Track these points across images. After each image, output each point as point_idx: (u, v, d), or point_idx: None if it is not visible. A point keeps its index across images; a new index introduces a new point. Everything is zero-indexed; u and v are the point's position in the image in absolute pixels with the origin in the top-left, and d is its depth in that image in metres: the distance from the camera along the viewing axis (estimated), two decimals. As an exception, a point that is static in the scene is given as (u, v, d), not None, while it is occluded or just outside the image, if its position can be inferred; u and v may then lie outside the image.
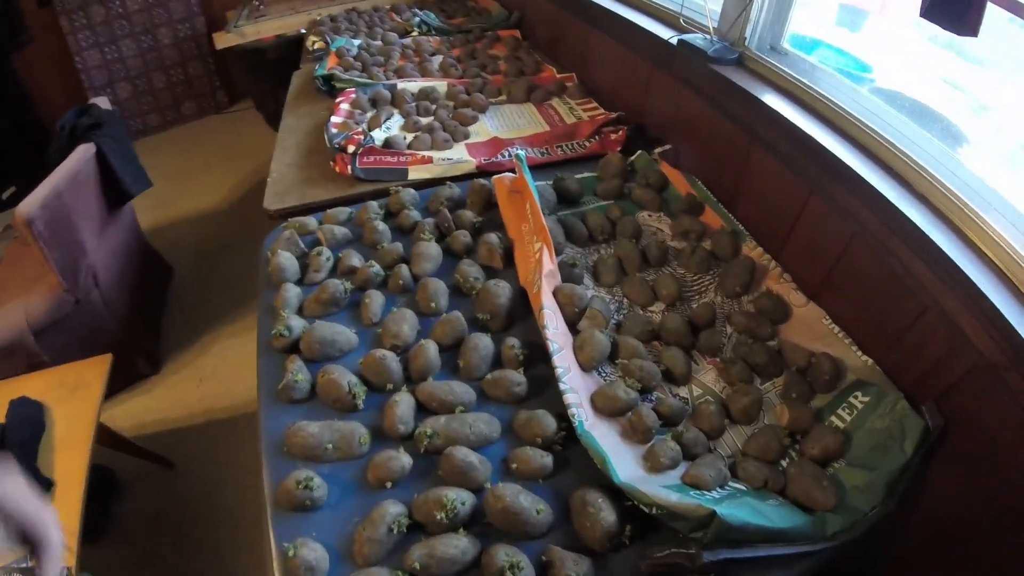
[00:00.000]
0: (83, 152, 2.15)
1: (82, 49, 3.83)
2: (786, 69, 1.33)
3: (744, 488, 0.99)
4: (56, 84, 3.82)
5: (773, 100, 1.28)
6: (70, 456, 1.54)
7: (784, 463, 1.05)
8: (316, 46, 2.63)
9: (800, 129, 1.19)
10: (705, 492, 0.95)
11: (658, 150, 1.66)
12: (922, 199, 1.04)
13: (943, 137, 1.10)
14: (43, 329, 2.04)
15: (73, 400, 1.67)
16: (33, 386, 1.72)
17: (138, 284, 2.60)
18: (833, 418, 1.09)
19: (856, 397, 1.09)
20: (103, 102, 2.47)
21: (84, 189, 2.16)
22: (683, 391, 1.17)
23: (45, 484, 1.45)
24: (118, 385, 2.45)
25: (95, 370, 1.77)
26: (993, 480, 0.94)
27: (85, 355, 1.83)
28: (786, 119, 1.22)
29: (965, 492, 0.99)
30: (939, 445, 1.00)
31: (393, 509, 0.91)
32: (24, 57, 3.60)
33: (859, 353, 1.15)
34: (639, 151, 1.68)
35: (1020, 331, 0.84)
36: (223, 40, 3.47)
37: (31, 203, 1.87)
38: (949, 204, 1.01)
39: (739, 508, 0.89)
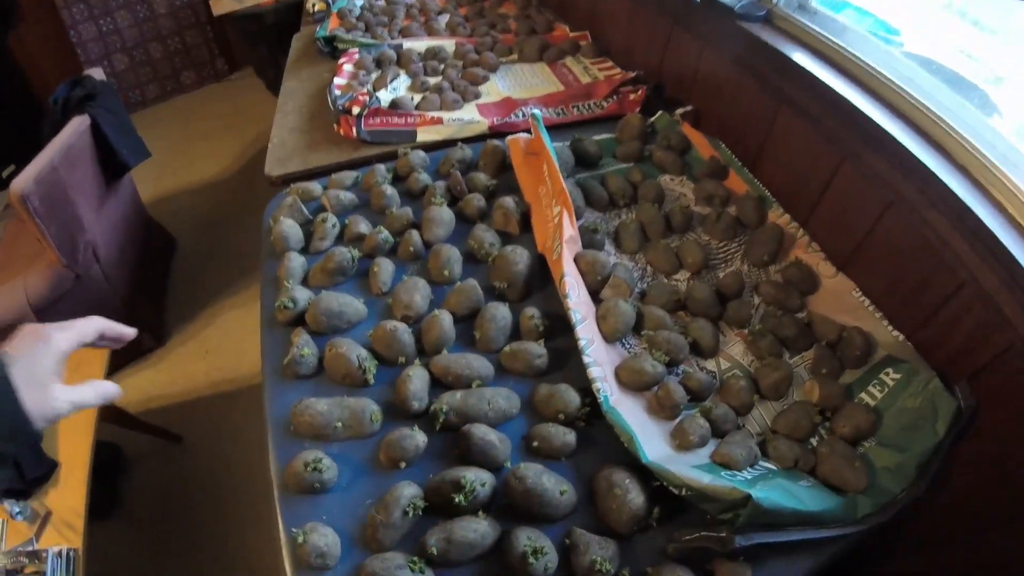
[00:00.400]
0: (77, 124, 2.11)
1: (76, 23, 3.76)
2: (817, 28, 1.26)
3: (775, 468, 0.96)
4: (52, 60, 3.75)
5: (804, 60, 1.22)
6: (74, 436, 1.52)
7: (814, 441, 1.01)
8: (317, 8, 2.55)
9: (833, 90, 1.13)
10: (736, 472, 0.92)
11: (680, 111, 1.59)
12: (962, 170, 0.98)
13: (980, 107, 1.04)
14: (44, 307, 2.02)
15: (75, 378, 1.61)
16: (35, 366, 1.68)
17: (140, 257, 2.58)
18: (863, 395, 1.05)
19: (887, 374, 1.05)
20: (97, 73, 2.43)
21: (79, 162, 2.12)
22: (710, 364, 1.13)
23: (50, 466, 1.43)
24: (122, 360, 2.46)
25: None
26: (1022, 464, 0.91)
27: None
28: (818, 79, 1.16)
29: (995, 475, 0.96)
30: (970, 426, 0.97)
31: (407, 491, 0.87)
32: (17, 34, 3.53)
33: (890, 328, 1.10)
34: (660, 112, 1.61)
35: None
36: (220, 6, 3.39)
37: (25, 179, 1.84)
38: (990, 177, 0.95)
39: (773, 490, 0.86)
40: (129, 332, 0.77)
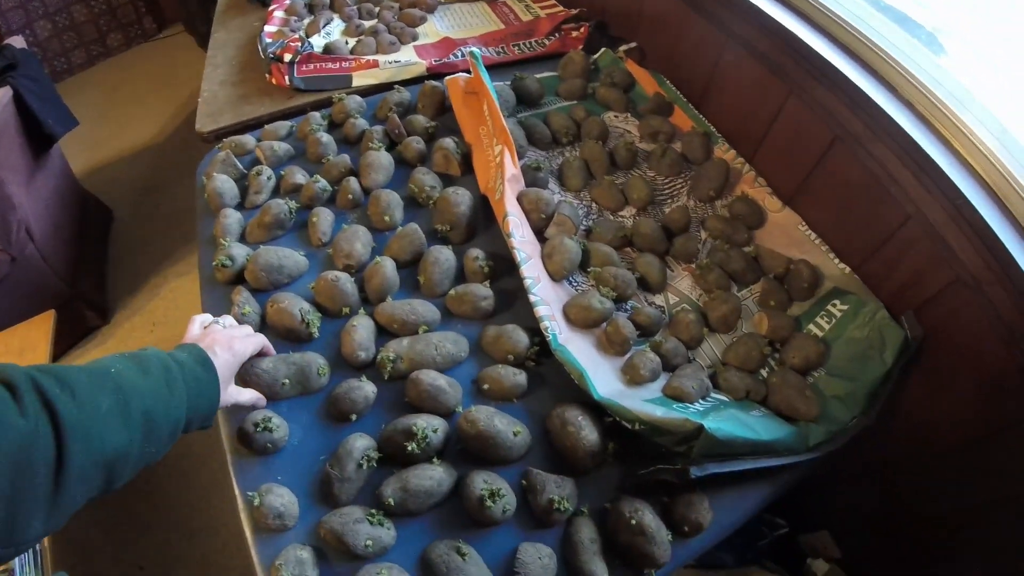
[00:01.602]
0: (-2, 97, 1.96)
1: (-5, -9, 3.49)
2: (764, -38, 1.23)
3: (726, 399, 0.97)
4: (-30, 32, 3.49)
5: (749, -7, 1.19)
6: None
7: (764, 372, 1.03)
8: (245, -45, 2.41)
9: (779, 24, 1.11)
10: (688, 405, 0.93)
11: (623, 47, 1.57)
12: (908, 105, 0.98)
13: (927, 45, 1.04)
14: (-18, 294, 1.92)
15: (21, 361, 1.57)
16: (-24, 358, 1.62)
17: (77, 232, 2.46)
18: (811, 326, 1.07)
19: (834, 305, 1.07)
20: (17, 41, 2.27)
21: (4, 137, 1.99)
22: (659, 299, 1.13)
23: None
24: (69, 342, 2.36)
25: (39, 330, 1.70)
26: (968, 393, 0.93)
27: (31, 315, 1.76)
28: (764, 13, 1.13)
29: (940, 404, 0.98)
30: (916, 357, 0.99)
31: (360, 443, 0.86)
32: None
33: (836, 261, 1.12)
34: (603, 49, 1.58)
35: (1008, 245, 0.82)
36: (143, -42, 3.19)
37: (-53, 161, 1.71)
38: (936, 112, 0.95)
39: (725, 421, 0.86)
40: (271, 349, 0.95)
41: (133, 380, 0.65)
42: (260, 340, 0.90)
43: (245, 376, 0.92)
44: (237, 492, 0.87)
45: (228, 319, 0.92)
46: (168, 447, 0.70)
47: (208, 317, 0.90)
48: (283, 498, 0.83)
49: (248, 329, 0.91)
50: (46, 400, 0.55)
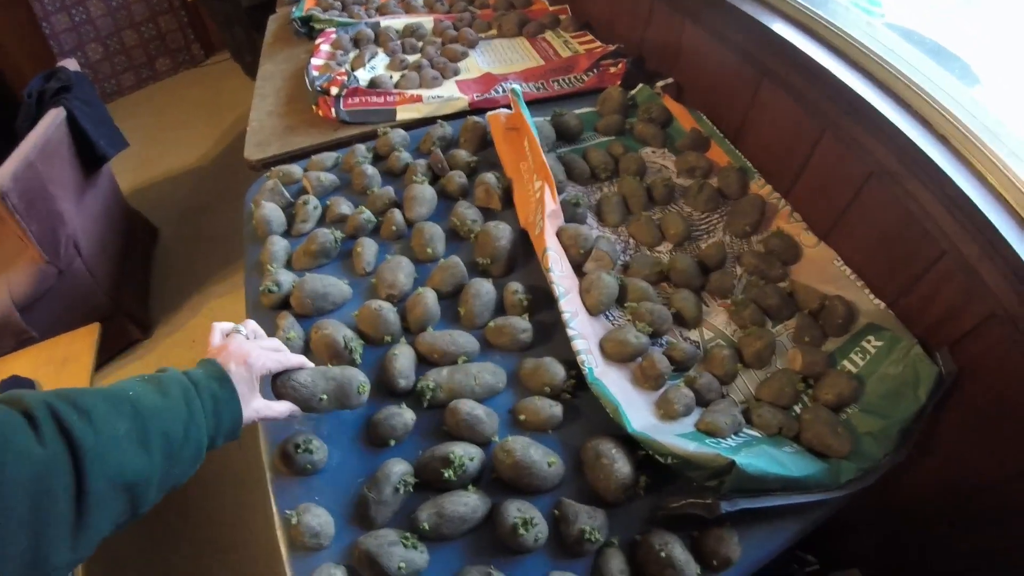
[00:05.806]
0: (53, 117, 2.07)
1: (49, 13, 3.66)
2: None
3: (759, 435, 0.97)
4: (24, 52, 3.65)
5: (785, 30, 1.20)
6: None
7: (797, 408, 1.02)
8: (292, -12, 2.50)
9: (814, 61, 1.12)
10: (721, 440, 0.93)
11: (660, 83, 1.58)
12: (942, 140, 0.98)
13: (960, 77, 1.04)
14: (28, 304, 2.00)
15: (64, 374, 1.64)
16: (22, 364, 1.69)
17: (122, 249, 2.55)
18: (845, 362, 1.05)
19: (869, 341, 1.06)
20: (71, 64, 2.39)
21: (57, 156, 2.08)
22: (694, 335, 1.13)
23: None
24: (109, 354, 2.44)
25: (84, 341, 1.74)
26: (1004, 429, 0.92)
27: (74, 326, 1.80)
28: (799, 50, 1.15)
29: (976, 440, 0.97)
30: (951, 393, 0.97)
31: (398, 468, 0.88)
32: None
33: (871, 296, 1.11)
34: (640, 85, 1.60)
35: (1042, 280, 0.81)
36: (194, -10, 3.32)
37: (2, 176, 1.80)
38: (970, 146, 0.95)
39: (757, 457, 0.86)
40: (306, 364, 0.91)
41: (151, 403, 0.65)
42: (287, 359, 0.87)
43: (282, 389, 0.89)
44: (275, 510, 0.89)
45: (251, 324, 0.90)
46: (194, 467, 0.71)
47: (229, 325, 0.88)
48: (320, 518, 0.85)
49: (274, 342, 0.89)
50: (63, 426, 0.56)
